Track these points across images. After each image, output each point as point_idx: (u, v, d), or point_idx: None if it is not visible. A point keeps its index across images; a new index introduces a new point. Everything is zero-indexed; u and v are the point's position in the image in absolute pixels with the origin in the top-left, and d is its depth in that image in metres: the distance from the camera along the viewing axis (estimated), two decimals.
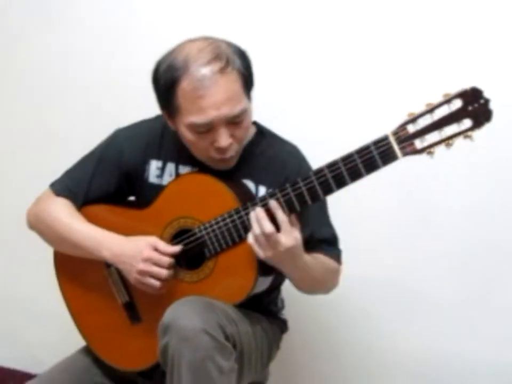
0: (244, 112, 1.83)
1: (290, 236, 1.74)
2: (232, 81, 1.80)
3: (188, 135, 1.86)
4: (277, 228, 1.74)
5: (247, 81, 1.85)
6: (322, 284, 1.99)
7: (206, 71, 1.77)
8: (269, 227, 1.73)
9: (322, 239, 1.97)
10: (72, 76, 2.83)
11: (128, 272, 1.93)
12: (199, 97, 1.78)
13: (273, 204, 1.76)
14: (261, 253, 1.76)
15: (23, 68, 2.92)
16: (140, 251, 1.89)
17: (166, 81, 1.82)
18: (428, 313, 2.43)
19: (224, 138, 1.82)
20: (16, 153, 2.99)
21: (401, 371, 2.50)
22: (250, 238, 1.77)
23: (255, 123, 2.02)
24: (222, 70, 1.78)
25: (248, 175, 1.96)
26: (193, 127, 1.83)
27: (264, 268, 1.84)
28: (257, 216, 1.75)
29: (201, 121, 1.80)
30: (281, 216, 1.75)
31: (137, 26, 2.71)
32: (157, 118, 2.02)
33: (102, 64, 2.77)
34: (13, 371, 3.05)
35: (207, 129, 1.82)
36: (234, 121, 1.83)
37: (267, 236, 1.73)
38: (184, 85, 1.79)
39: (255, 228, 1.75)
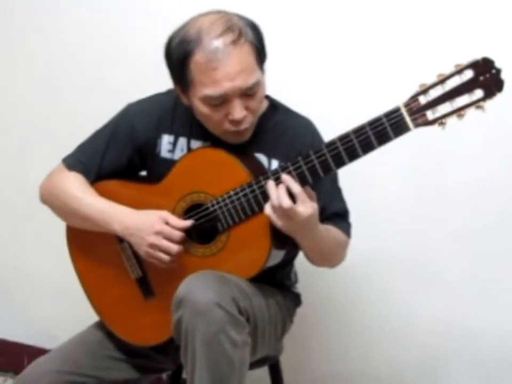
0: (258, 84, 1.83)
1: (308, 205, 1.75)
2: (245, 53, 1.80)
3: (202, 109, 1.86)
4: (293, 199, 1.74)
5: (260, 53, 1.85)
6: (332, 256, 2.00)
7: (218, 43, 1.77)
8: (287, 202, 1.73)
9: (333, 213, 1.98)
10: (84, 51, 2.82)
11: (138, 246, 1.93)
12: (213, 69, 1.78)
13: (285, 177, 1.77)
14: (279, 223, 1.77)
15: (36, 44, 2.91)
16: (151, 224, 1.90)
17: (179, 55, 1.82)
18: (441, 287, 2.43)
19: (238, 110, 1.82)
20: (31, 128, 2.99)
21: (414, 344, 2.51)
22: (267, 209, 1.78)
23: (267, 97, 2.01)
24: (234, 42, 1.78)
25: (260, 149, 1.96)
26: (207, 100, 1.82)
27: (277, 240, 1.84)
28: (275, 189, 1.76)
29: (215, 93, 1.80)
30: (296, 188, 1.75)
31: (148, 2, 2.69)
32: (168, 92, 2.01)
33: (114, 39, 2.75)
34: (27, 346, 3.06)
35: (221, 101, 1.82)
36: (248, 93, 1.83)
37: (285, 210, 1.73)
38: (197, 58, 1.79)
39: (273, 199, 1.76)
